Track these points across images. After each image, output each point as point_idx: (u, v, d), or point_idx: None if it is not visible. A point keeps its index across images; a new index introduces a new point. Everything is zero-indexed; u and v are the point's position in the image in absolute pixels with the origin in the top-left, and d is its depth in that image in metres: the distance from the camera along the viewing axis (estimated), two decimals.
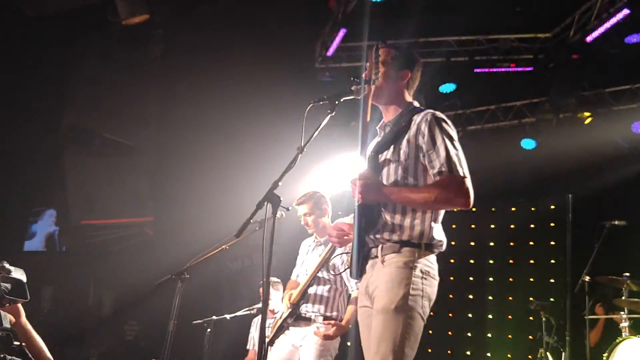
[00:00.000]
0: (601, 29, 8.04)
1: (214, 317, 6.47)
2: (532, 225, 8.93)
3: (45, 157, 8.79)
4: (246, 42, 8.77)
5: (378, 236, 3.19)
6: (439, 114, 3.28)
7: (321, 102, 3.50)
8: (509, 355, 8.17)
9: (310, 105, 3.46)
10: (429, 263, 3.16)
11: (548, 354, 7.06)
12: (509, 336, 8.34)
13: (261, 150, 9.01)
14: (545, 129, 9.07)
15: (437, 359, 8.28)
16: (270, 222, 4.87)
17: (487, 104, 9.54)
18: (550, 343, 7.05)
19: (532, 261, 8.74)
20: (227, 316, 6.72)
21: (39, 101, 8.83)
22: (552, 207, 8.89)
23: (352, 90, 3.45)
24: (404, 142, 3.23)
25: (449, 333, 8.52)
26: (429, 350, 8.50)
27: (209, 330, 6.32)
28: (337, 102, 3.48)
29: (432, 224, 3.18)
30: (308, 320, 5.15)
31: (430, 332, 8.26)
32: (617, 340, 6.21)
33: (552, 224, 8.78)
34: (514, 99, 9.40)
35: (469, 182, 3.11)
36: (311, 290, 5.18)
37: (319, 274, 5.17)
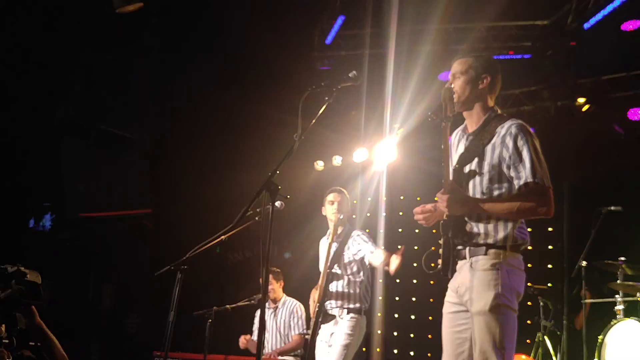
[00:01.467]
0: (598, 16, 8.35)
1: (215, 308, 6.72)
2: None
3: (41, 150, 8.97)
4: (244, 29, 8.97)
5: (465, 239, 3.52)
6: (523, 124, 3.57)
7: (319, 90, 3.69)
8: None
9: (308, 92, 3.66)
10: (514, 261, 3.53)
11: (546, 337, 7.39)
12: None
13: (260, 139, 9.23)
14: (543, 116, 9.36)
15: (438, 344, 8.58)
16: (268, 211, 5.21)
17: None
18: (547, 327, 7.38)
19: (530, 247, 9.00)
20: (228, 307, 7.02)
21: (34, 93, 9.01)
22: None
23: (350, 77, 3.70)
24: (489, 153, 3.50)
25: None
26: (429, 336, 8.86)
27: (210, 321, 6.56)
28: (334, 90, 3.70)
29: (513, 226, 3.51)
30: (334, 317, 5.61)
31: (430, 318, 8.62)
32: (612, 323, 6.56)
33: None
34: (512, 87, 9.67)
35: (551, 193, 3.44)
36: (331, 288, 5.64)
37: (333, 270, 5.66)
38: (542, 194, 3.43)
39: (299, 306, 7.69)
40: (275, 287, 7.75)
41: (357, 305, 5.61)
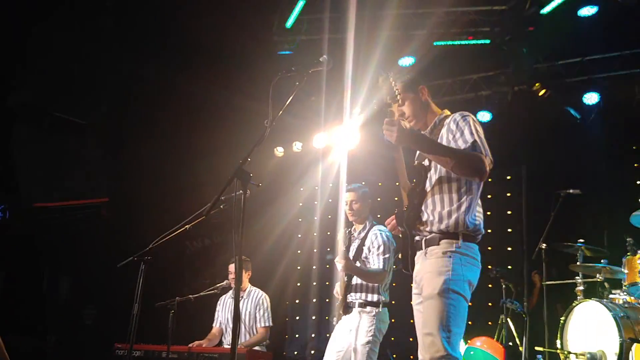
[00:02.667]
0: (555, 1, 8.37)
1: (178, 298, 6.43)
2: (489, 196, 9.21)
3: None
4: (203, 14, 8.75)
5: (421, 229, 3.64)
6: (466, 113, 3.71)
7: (289, 74, 3.64)
8: (469, 322, 8.45)
9: (278, 77, 3.58)
10: (467, 251, 3.55)
11: (509, 319, 7.43)
12: (469, 303, 8.64)
13: (221, 125, 9.06)
14: (500, 101, 9.40)
15: (401, 329, 8.55)
16: (235, 199, 5.05)
17: (445, 77, 9.80)
18: (510, 309, 7.42)
19: (489, 230, 9.01)
20: (191, 297, 6.80)
21: None
22: (508, 177, 9.23)
23: (320, 61, 3.66)
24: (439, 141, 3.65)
25: (411, 302, 8.74)
26: (392, 320, 8.82)
27: (172, 311, 6.29)
28: (305, 75, 3.66)
29: (466, 211, 3.57)
30: (351, 308, 5.66)
31: (392, 302, 8.57)
32: (574, 304, 6.58)
33: (508, 194, 9.13)
34: (470, 72, 9.68)
35: (488, 161, 3.57)
36: (353, 281, 5.67)
37: (357, 263, 5.63)
38: (480, 158, 3.53)
39: (264, 297, 7.52)
40: (243, 277, 7.59)
41: (376, 298, 5.62)
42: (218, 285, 7.11)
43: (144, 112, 9.81)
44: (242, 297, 7.53)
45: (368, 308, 5.61)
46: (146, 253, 5.12)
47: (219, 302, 7.70)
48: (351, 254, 5.70)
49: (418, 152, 3.86)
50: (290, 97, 3.65)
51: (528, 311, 7.58)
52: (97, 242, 9.12)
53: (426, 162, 3.74)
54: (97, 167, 8.75)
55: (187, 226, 5.18)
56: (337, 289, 5.92)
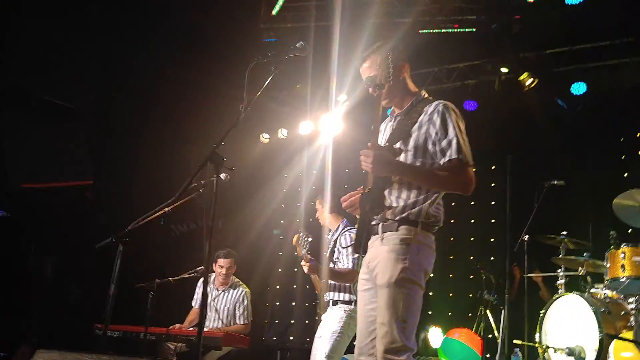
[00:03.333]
0: None
1: (157, 280, 6.30)
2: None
3: None
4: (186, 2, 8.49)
5: (380, 214, 3.42)
6: (449, 104, 3.49)
7: (265, 60, 3.52)
8: (449, 313, 8.25)
9: (254, 62, 3.47)
10: (424, 240, 3.40)
11: (488, 311, 7.15)
12: (450, 294, 8.40)
13: (206, 111, 8.81)
14: (487, 90, 9.08)
15: None
16: (212, 183, 4.86)
17: (430, 65, 9.47)
18: (490, 301, 7.13)
19: (472, 221, 8.78)
20: (171, 279, 6.62)
21: None
22: (492, 167, 8.91)
23: (297, 47, 3.52)
24: (415, 131, 3.44)
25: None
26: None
27: (151, 293, 6.14)
28: (281, 60, 3.54)
29: (430, 203, 3.41)
30: (327, 307, 5.66)
31: None
32: (554, 297, 6.32)
33: (492, 184, 8.81)
34: (456, 61, 9.35)
35: (472, 171, 3.42)
36: (330, 281, 5.61)
37: (330, 265, 5.63)
38: (463, 170, 3.39)
39: (244, 295, 7.24)
40: (230, 273, 7.29)
41: (347, 297, 5.54)
42: (198, 268, 6.87)
43: (131, 97, 9.54)
44: (222, 290, 7.24)
45: (341, 305, 5.54)
46: (124, 234, 4.99)
47: (198, 285, 7.42)
48: (326, 255, 5.67)
49: (389, 133, 3.63)
50: (266, 82, 3.55)
51: (508, 304, 7.32)
52: (83, 223, 8.86)
53: (397, 145, 3.50)
54: (82, 150, 8.46)
55: (165, 209, 5.11)
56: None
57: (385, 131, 3.72)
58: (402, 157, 3.47)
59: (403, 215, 3.36)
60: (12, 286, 9.80)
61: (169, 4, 8.44)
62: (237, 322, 7.14)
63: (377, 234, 3.43)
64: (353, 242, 5.18)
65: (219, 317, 7.16)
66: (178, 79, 8.79)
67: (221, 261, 7.17)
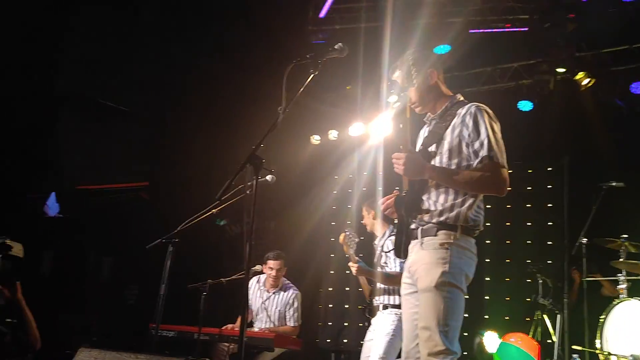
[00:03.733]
0: None
1: (210, 281, 6.24)
2: (528, 188, 8.64)
3: (40, 124, 8.51)
4: (238, 3, 8.43)
5: (419, 217, 3.40)
6: (482, 105, 3.42)
7: (304, 62, 3.42)
8: (506, 318, 7.96)
9: (292, 64, 3.36)
10: (464, 244, 3.32)
11: (545, 316, 6.84)
12: (507, 298, 8.12)
13: (258, 113, 8.74)
14: (542, 90, 8.75)
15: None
16: (252, 185, 4.76)
17: (483, 65, 9.19)
18: (546, 305, 6.82)
19: (529, 223, 8.47)
20: (223, 280, 6.52)
21: (32, 69, 8.52)
22: (549, 169, 8.58)
23: (335, 49, 3.40)
24: (449, 134, 3.39)
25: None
26: None
27: (204, 294, 6.10)
28: (320, 62, 3.42)
29: (469, 207, 3.32)
30: (376, 311, 5.62)
31: None
32: (614, 302, 6.02)
33: (549, 186, 8.49)
34: (509, 61, 9.05)
35: (506, 173, 3.30)
36: (377, 285, 5.60)
37: (378, 269, 5.60)
38: (495, 171, 3.28)
39: (295, 297, 7.09)
40: (280, 275, 7.15)
41: (397, 300, 5.43)
42: (251, 269, 6.83)
43: (184, 98, 9.59)
44: (273, 292, 7.12)
45: (391, 309, 5.49)
46: (174, 235, 5.06)
47: (250, 286, 7.31)
48: (375, 260, 5.62)
49: (423, 136, 3.64)
50: (305, 85, 3.42)
51: (567, 308, 7.00)
52: (139, 224, 8.93)
53: (432, 148, 3.46)
54: (137, 151, 8.53)
55: (213, 210, 5.12)
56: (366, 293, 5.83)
57: (422, 136, 3.68)
58: (436, 160, 3.42)
59: (441, 219, 3.32)
60: (72, 286, 9.94)
61: (218, 5, 8.38)
62: (288, 324, 7.01)
63: (417, 239, 3.40)
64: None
65: (270, 319, 7.04)
66: (230, 82, 8.77)
67: (271, 263, 7.06)
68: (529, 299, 7.09)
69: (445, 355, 3.13)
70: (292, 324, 7.00)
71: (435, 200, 3.36)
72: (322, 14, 8.50)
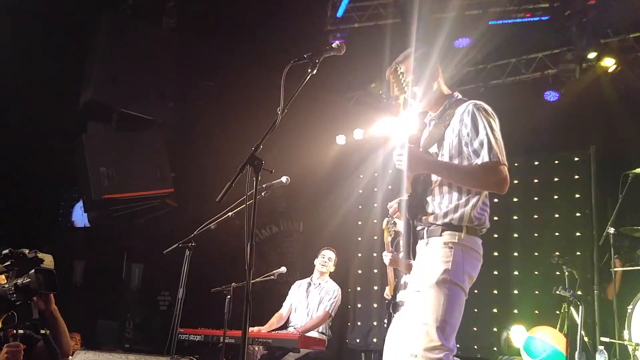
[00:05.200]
0: None
1: (234, 284, 6.28)
2: (556, 179, 8.60)
3: (66, 134, 8.77)
4: (257, 6, 8.58)
5: (424, 219, 3.43)
6: (480, 103, 3.45)
7: (301, 62, 3.48)
8: (536, 312, 7.93)
9: (290, 64, 3.44)
10: (469, 243, 3.34)
11: (572, 308, 6.83)
12: (536, 292, 8.09)
13: (272, 118, 8.86)
14: (568, 79, 8.72)
15: (465, 318, 8.09)
16: (272, 187, 4.94)
17: (507, 57, 9.20)
18: (567, 297, 6.82)
19: (557, 215, 8.43)
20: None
21: (56, 80, 8.79)
22: (576, 159, 8.52)
23: (333, 47, 3.47)
24: (449, 134, 3.43)
25: (475, 291, 8.24)
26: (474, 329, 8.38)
27: (228, 297, 6.17)
28: (317, 61, 3.47)
29: (473, 206, 3.36)
30: (401, 307, 5.54)
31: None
32: None
33: (576, 177, 8.43)
34: (534, 51, 9.04)
35: (506, 170, 3.32)
36: (402, 280, 5.60)
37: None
38: (496, 169, 3.31)
39: (336, 289, 7.32)
40: (331, 266, 7.43)
41: None
42: (274, 271, 7.04)
43: (206, 105, 9.79)
44: (316, 284, 7.36)
45: None
46: (190, 240, 5.27)
47: (295, 285, 7.60)
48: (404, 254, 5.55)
49: (424, 138, 3.61)
50: (302, 85, 3.47)
51: (598, 299, 6.98)
52: (168, 230, 9.11)
53: (433, 149, 3.51)
54: (163, 159, 8.68)
55: (230, 214, 5.26)
56: (387, 292, 5.82)
57: (423, 137, 3.68)
58: None
59: (446, 220, 3.36)
60: (106, 293, 10.25)
61: (237, 11, 8.54)
62: (319, 310, 7.16)
63: (423, 239, 3.45)
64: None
65: (307, 308, 7.24)
66: (252, 84, 8.91)
67: (324, 252, 7.43)
68: (558, 292, 7.06)
69: (440, 350, 3.17)
70: (324, 309, 7.15)
71: (440, 202, 3.40)
72: (339, 13, 8.56)
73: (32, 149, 9.41)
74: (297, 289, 7.50)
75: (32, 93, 8.89)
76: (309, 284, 7.43)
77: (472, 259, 3.36)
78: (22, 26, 8.17)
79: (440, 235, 3.35)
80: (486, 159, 3.27)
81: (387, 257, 5.43)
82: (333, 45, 3.46)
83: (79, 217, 11.08)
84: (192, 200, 9.59)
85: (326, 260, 7.37)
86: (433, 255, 3.33)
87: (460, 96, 3.60)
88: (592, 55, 8.30)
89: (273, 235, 10.56)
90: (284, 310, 7.41)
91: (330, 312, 7.16)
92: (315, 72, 3.46)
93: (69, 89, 8.86)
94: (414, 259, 3.54)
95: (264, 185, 5.02)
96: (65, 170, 9.49)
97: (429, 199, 3.43)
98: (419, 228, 3.49)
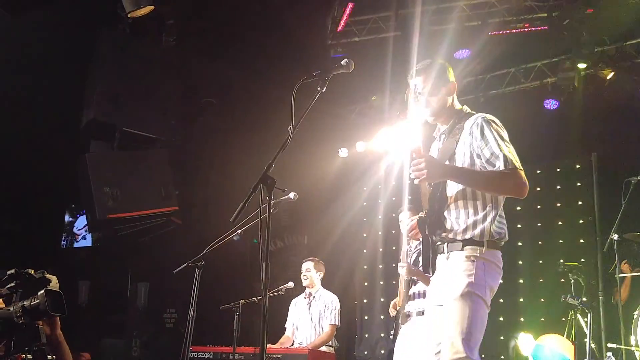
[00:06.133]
0: None
1: (242, 301, 6.38)
2: (558, 187, 8.73)
3: (69, 155, 8.83)
4: (257, 22, 8.69)
5: (444, 235, 3.47)
6: (488, 116, 3.50)
7: (311, 80, 3.52)
8: (542, 319, 8.03)
9: (299, 83, 3.47)
10: (490, 257, 3.40)
11: (579, 315, 6.92)
12: (541, 299, 8.19)
13: (280, 133, 8.93)
14: (567, 88, 8.85)
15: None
16: (279, 203, 5.01)
17: (506, 66, 9.35)
18: (576, 305, 6.91)
19: (560, 223, 8.56)
20: (255, 299, 6.75)
21: (57, 101, 8.89)
22: (577, 166, 8.66)
23: (342, 65, 3.51)
24: (460, 149, 3.49)
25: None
26: None
27: (237, 314, 6.23)
28: (327, 78, 3.51)
29: (491, 221, 3.41)
30: (410, 317, 5.67)
31: None
32: None
33: (578, 184, 8.57)
34: (533, 60, 9.20)
35: (524, 175, 3.35)
36: (411, 291, 5.68)
37: (413, 277, 5.64)
38: (515, 174, 3.34)
39: (333, 299, 7.38)
40: (313, 276, 7.43)
41: None
42: (282, 286, 7.08)
43: (210, 121, 9.85)
44: (312, 297, 7.43)
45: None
46: (200, 259, 5.27)
47: (292, 303, 7.64)
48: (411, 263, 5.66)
49: (436, 153, 3.66)
50: (312, 102, 3.52)
51: (603, 306, 7.06)
52: (172, 248, 9.17)
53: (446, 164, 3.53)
54: (166, 177, 8.74)
55: (239, 231, 5.31)
56: (394, 302, 5.92)
57: (434, 153, 3.73)
58: None
59: (467, 237, 3.41)
60: (112, 312, 10.31)
61: (237, 27, 8.62)
62: (324, 326, 7.22)
63: (443, 253, 3.49)
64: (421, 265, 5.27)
65: (311, 321, 7.31)
66: (253, 100, 8.98)
67: (302, 265, 7.45)
68: (563, 299, 7.15)
69: None
70: (330, 322, 7.20)
71: (457, 217, 3.45)
72: (340, 27, 8.66)
73: (35, 170, 9.46)
74: (295, 306, 7.56)
75: (34, 114, 8.97)
76: (306, 299, 7.48)
77: (494, 272, 3.41)
78: (21, 47, 8.23)
79: (462, 250, 3.39)
80: (502, 167, 3.31)
81: (403, 268, 5.45)
82: (342, 63, 3.50)
83: (85, 237, 11.15)
84: (198, 217, 9.65)
85: (304, 272, 7.40)
86: (455, 269, 3.38)
87: (469, 110, 3.66)
88: (589, 63, 8.45)
89: (278, 249, 10.67)
90: (289, 332, 7.48)
91: (336, 324, 7.23)
92: (324, 90, 3.50)
93: (71, 110, 8.94)
94: (433, 273, 3.58)
95: (272, 202, 5.08)
96: (68, 190, 9.54)
97: (445, 214, 3.48)
98: (438, 243, 3.53)
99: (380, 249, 9.14)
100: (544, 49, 8.96)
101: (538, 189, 8.77)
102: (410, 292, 5.66)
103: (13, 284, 3.22)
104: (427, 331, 5.21)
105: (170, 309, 10.26)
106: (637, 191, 6.71)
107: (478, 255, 3.37)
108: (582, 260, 8.07)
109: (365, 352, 9.50)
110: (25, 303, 3.09)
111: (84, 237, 11.21)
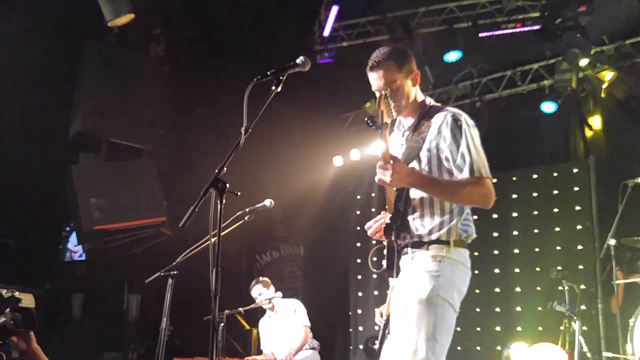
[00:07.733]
0: None
1: (227, 311, 6.44)
2: (555, 192, 8.51)
3: (60, 166, 8.82)
4: (244, 28, 8.63)
5: (409, 238, 3.32)
6: (457, 113, 3.32)
7: (264, 79, 3.37)
8: (540, 328, 7.81)
9: (253, 83, 3.32)
10: (457, 256, 3.26)
11: (573, 323, 6.74)
12: (539, 308, 7.97)
13: (268, 142, 8.88)
14: (564, 89, 8.66)
15: (467, 336, 8.01)
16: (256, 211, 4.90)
17: (502, 69, 9.19)
18: (564, 313, 6.73)
19: (557, 229, 8.33)
20: (241, 309, 6.71)
21: (44, 111, 8.92)
22: (575, 170, 8.43)
23: (297, 63, 3.36)
24: (426, 148, 3.31)
25: (477, 309, 8.19)
26: (458, 329, 8.25)
27: (222, 325, 6.25)
28: (281, 78, 3.36)
29: (457, 221, 3.28)
30: None
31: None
32: None
33: (576, 188, 8.33)
34: (528, 62, 9.05)
35: (491, 184, 3.22)
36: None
37: None
38: (481, 183, 3.20)
39: (293, 303, 7.47)
40: (268, 295, 7.41)
41: None
42: (269, 297, 7.31)
43: (203, 131, 9.84)
44: (275, 311, 7.47)
45: None
46: (172, 268, 5.18)
47: (260, 326, 7.69)
48: None
49: (401, 152, 3.43)
50: (266, 104, 3.39)
51: (602, 313, 6.87)
52: (164, 259, 9.11)
53: (412, 165, 3.33)
54: (156, 187, 8.69)
55: (213, 239, 5.18)
56: (378, 316, 5.69)
57: (398, 150, 3.51)
58: None
59: (432, 237, 3.26)
60: (107, 325, 10.24)
61: (225, 34, 8.58)
62: (296, 330, 7.23)
63: (407, 254, 3.32)
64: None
65: (282, 334, 7.33)
66: (240, 109, 8.91)
67: (252, 292, 7.46)
68: (552, 307, 6.97)
69: None
70: (302, 325, 7.24)
71: (422, 220, 3.30)
72: (326, 32, 8.55)
73: (27, 184, 9.45)
74: (263, 326, 7.59)
75: (25, 125, 8.97)
76: (270, 316, 7.50)
77: (461, 273, 3.27)
78: (7, 58, 8.23)
79: (427, 250, 3.25)
80: (470, 174, 3.18)
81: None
82: (297, 61, 3.35)
83: (76, 250, 11.13)
84: (189, 227, 9.56)
85: (258, 298, 7.36)
86: (420, 268, 3.23)
87: (432, 102, 3.48)
88: (586, 63, 8.27)
89: (274, 260, 10.62)
90: (267, 351, 7.46)
91: (307, 324, 7.28)
92: (279, 89, 3.36)
93: (60, 120, 8.93)
94: (397, 276, 3.36)
95: (247, 210, 4.98)
96: (61, 203, 9.52)
97: (410, 217, 3.32)
98: (402, 245, 3.35)
99: (374, 259, 8.98)
100: (540, 50, 8.80)
101: (535, 194, 8.57)
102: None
103: None
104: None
105: (165, 320, 10.17)
106: (635, 195, 6.52)
107: (444, 254, 3.23)
108: (581, 267, 7.87)
109: None
110: None
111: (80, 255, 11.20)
